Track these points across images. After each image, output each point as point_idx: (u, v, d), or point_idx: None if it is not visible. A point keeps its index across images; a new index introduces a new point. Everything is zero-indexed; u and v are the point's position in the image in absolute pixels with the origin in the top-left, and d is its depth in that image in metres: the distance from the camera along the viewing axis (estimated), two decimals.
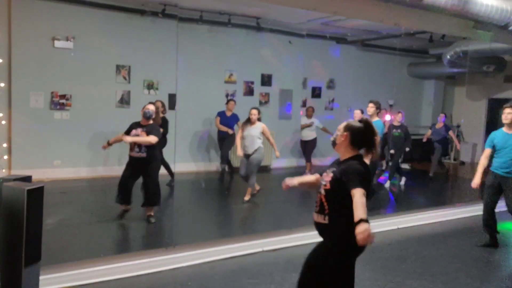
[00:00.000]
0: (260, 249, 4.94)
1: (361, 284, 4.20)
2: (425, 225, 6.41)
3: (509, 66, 11.03)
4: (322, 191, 2.72)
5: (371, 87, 10.63)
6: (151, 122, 5.47)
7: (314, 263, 2.74)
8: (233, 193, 6.89)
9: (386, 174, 8.87)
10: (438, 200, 7.92)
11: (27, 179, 3.29)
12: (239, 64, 9.47)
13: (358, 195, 2.48)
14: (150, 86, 8.52)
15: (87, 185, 7.65)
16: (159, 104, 7.22)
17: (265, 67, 9.84)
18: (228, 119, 8.21)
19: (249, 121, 6.74)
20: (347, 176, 2.58)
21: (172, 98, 8.29)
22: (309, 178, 3.06)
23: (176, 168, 7.02)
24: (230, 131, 8.09)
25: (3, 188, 3.02)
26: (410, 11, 6.12)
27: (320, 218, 2.72)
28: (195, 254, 4.59)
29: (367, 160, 2.78)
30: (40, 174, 6.44)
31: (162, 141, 7.03)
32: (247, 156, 6.71)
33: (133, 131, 5.40)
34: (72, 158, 7.78)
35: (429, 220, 6.56)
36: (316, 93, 10.75)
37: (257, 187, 6.91)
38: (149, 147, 5.37)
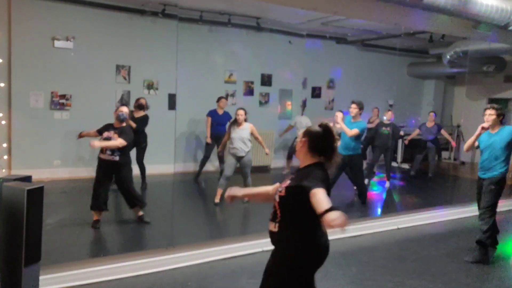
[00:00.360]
0: (260, 249, 4.93)
1: (361, 284, 4.21)
2: (425, 225, 6.41)
3: (509, 66, 11.03)
4: (277, 198, 2.59)
5: (371, 87, 10.65)
6: (124, 124, 5.43)
7: (270, 273, 2.64)
8: None
9: (380, 176, 8.87)
10: (438, 200, 7.91)
11: (27, 179, 3.29)
12: (239, 64, 9.47)
13: (320, 193, 2.28)
14: (150, 86, 8.52)
15: (87, 185, 7.59)
16: (143, 101, 7.24)
17: (265, 67, 9.84)
18: (220, 118, 8.10)
19: (236, 122, 6.60)
20: (307, 179, 2.41)
21: (172, 98, 8.29)
22: (261, 189, 2.89)
23: (176, 168, 7.01)
24: (209, 140, 7.93)
25: (3, 188, 3.02)
26: (410, 11, 6.12)
27: (271, 226, 2.60)
28: (194, 254, 4.59)
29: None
30: (40, 174, 6.44)
31: (142, 137, 7.02)
32: (238, 158, 6.56)
33: (106, 133, 5.34)
34: (72, 158, 7.77)
35: (429, 220, 6.55)
36: (316, 93, 10.76)
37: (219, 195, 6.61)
38: (122, 151, 5.29)
